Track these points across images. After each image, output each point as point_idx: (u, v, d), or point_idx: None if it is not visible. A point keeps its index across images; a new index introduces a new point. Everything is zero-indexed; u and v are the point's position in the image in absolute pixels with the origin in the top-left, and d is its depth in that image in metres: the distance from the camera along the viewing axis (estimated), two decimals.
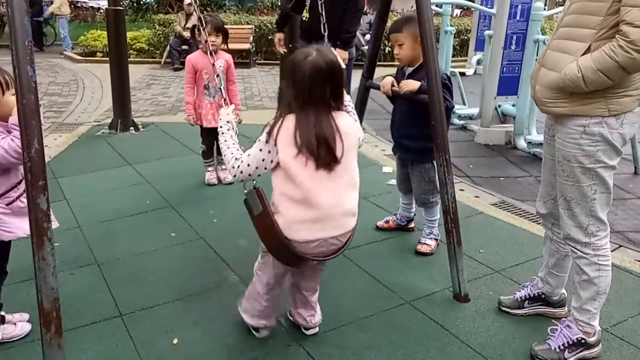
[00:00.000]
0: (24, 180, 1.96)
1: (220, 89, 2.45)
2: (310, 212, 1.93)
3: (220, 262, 2.98)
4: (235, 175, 2.03)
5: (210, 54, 2.55)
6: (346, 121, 1.99)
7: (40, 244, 1.81)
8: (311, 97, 1.89)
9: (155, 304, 2.56)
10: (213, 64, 2.51)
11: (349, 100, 2.16)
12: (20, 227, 2.14)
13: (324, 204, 1.92)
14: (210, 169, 4.27)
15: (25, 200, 1.90)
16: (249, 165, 1.97)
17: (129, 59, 6.73)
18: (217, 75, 2.45)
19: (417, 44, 2.76)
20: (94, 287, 2.71)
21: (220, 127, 2.16)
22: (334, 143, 1.89)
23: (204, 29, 2.64)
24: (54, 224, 2.32)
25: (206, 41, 2.62)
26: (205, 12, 14.96)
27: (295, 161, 1.90)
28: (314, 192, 1.90)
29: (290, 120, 1.91)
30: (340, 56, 3.88)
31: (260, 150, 1.95)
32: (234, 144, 2.10)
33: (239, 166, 2.00)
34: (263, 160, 1.95)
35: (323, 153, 1.88)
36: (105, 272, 2.86)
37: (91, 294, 2.65)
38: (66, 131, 5.94)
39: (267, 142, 1.93)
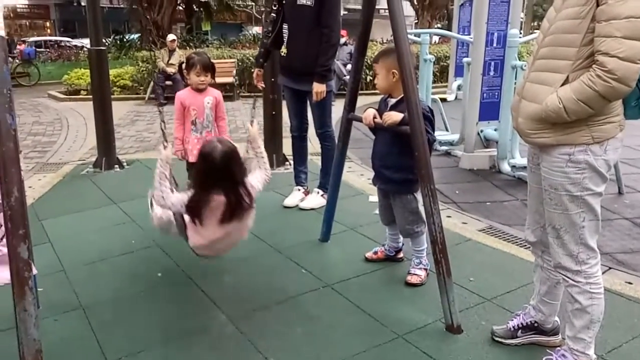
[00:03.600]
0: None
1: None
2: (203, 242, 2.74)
3: (208, 301, 2.93)
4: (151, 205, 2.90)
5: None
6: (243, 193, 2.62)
7: (21, 294, 1.77)
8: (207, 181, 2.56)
9: (142, 348, 2.50)
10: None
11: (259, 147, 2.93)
12: (2, 275, 2.09)
13: (213, 244, 2.76)
14: None
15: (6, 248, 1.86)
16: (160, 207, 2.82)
17: (113, 96, 6.75)
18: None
19: (390, 75, 2.87)
20: (79, 333, 2.64)
21: (160, 165, 2.68)
22: (224, 215, 2.59)
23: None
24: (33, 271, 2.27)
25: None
26: (188, 47, 15.13)
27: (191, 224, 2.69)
28: (205, 238, 2.69)
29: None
30: (317, 90, 3.95)
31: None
32: (166, 182, 2.66)
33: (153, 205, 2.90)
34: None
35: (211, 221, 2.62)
36: (90, 316, 2.79)
37: (76, 340, 2.58)
38: (50, 171, 5.89)
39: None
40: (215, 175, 2.52)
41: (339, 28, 4.04)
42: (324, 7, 3.85)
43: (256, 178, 2.78)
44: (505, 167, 5.60)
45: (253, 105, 3.13)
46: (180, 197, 2.63)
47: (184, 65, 3.97)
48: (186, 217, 2.68)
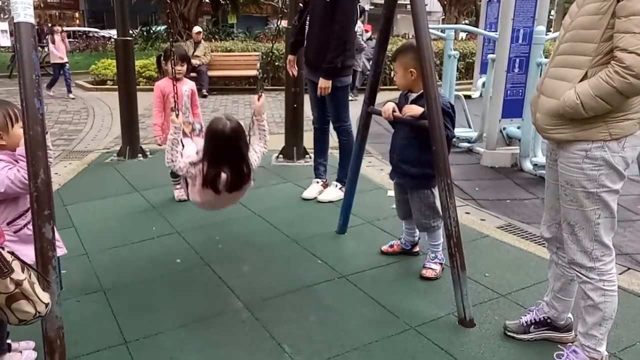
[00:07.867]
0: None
1: (186, 110, 3.70)
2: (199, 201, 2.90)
3: (225, 288, 2.99)
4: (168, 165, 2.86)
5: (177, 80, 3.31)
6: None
7: (45, 273, 1.84)
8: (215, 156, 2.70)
9: (159, 331, 2.57)
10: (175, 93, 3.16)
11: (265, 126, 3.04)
12: (27, 254, 2.16)
13: (207, 205, 2.97)
14: (178, 186, 4.42)
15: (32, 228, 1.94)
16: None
17: (139, 87, 6.86)
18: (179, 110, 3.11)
19: (407, 73, 2.90)
20: (100, 314, 2.73)
21: (173, 132, 2.85)
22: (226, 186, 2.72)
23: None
24: (62, 251, 2.36)
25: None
26: (213, 39, 15.27)
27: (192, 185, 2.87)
28: (202, 199, 2.86)
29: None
30: (321, 85, 3.98)
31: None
32: (178, 147, 2.84)
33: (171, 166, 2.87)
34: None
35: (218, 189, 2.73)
36: (111, 299, 2.87)
37: (96, 321, 2.66)
38: (76, 159, 6.03)
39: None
40: (225, 149, 2.68)
41: (351, 26, 4.01)
42: (338, 3, 3.83)
43: (256, 153, 2.96)
44: (527, 165, 5.54)
45: (260, 86, 3.27)
46: (186, 163, 2.82)
47: (162, 58, 4.46)
48: (188, 179, 2.92)
